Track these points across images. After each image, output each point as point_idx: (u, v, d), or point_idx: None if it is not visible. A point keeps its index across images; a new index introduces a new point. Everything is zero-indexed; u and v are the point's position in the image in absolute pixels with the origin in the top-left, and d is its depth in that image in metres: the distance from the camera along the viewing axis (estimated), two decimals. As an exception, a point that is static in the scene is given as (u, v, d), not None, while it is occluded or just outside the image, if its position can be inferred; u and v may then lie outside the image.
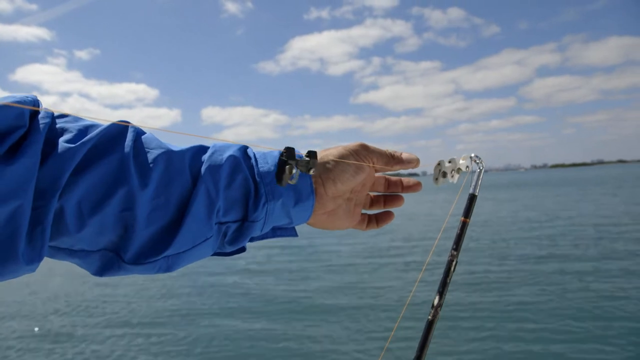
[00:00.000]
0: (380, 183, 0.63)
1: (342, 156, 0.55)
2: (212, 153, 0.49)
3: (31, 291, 7.32)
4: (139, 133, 0.46)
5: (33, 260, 0.38)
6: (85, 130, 0.42)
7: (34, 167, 0.37)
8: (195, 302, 6.34)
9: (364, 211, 0.64)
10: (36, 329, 5.44)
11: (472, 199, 0.58)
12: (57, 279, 8.27)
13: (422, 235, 12.09)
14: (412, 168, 0.61)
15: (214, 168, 0.47)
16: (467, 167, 0.62)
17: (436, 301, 0.60)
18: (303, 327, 5.11)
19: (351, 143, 0.57)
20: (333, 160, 0.54)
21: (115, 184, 0.41)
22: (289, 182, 0.49)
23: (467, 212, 0.57)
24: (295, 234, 0.58)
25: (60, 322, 5.69)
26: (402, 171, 0.63)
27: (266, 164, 0.51)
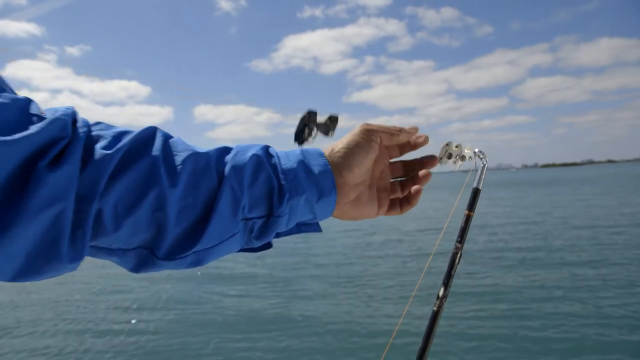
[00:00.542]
0: (398, 168, 0.64)
1: (349, 142, 0.57)
2: (236, 154, 0.52)
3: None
4: (167, 137, 0.50)
5: (75, 259, 0.42)
6: (118, 136, 0.45)
7: (75, 174, 0.40)
8: (178, 311, 6.31)
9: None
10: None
11: (475, 193, 0.60)
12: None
13: (427, 229, 12.17)
14: (418, 140, 0.61)
15: (238, 167, 0.50)
16: (470, 157, 0.63)
17: (441, 292, 0.62)
18: (306, 316, 5.13)
19: (355, 128, 0.59)
20: (342, 148, 0.57)
21: (147, 186, 0.45)
22: (306, 142, 0.52)
23: (472, 205, 0.59)
24: (319, 229, 0.60)
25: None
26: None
27: (289, 162, 0.54)
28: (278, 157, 0.54)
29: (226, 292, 6.66)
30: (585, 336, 4.32)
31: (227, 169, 0.50)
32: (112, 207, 0.43)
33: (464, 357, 4.02)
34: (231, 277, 7.69)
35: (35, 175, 0.37)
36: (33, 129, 0.37)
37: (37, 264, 0.39)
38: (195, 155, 0.49)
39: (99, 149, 0.43)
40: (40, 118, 0.39)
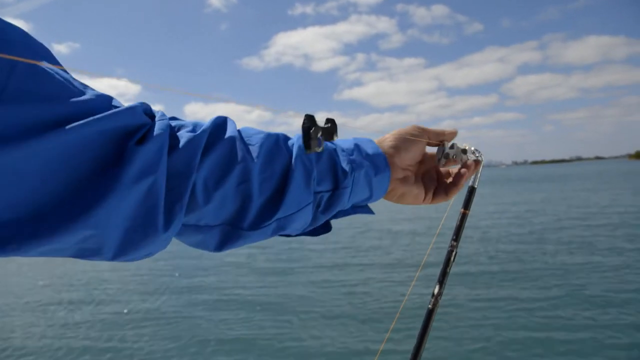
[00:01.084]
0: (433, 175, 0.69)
1: (399, 131, 0.63)
2: (298, 136, 0.57)
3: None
4: (235, 124, 0.55)
5: (170, 230, 0.44)
6: (196, 124, 0.50)
7: (163, 149, 0.43)
8: (178, 301, 6.29)
9: None
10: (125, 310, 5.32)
11: (471, 191, 0.60)
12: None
13: (422, 227, 12.24)
14: (451, 138, 0.67)
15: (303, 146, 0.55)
16: (474, 151, 0.66)
17: (436, 290, 0.62)
18: (300, 319, 5.14)
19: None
20: (392, 136, 0.63)
21: (232, 162, 0.49)
22: (316, 149, 0.51)
23: (467, 203, 0.60)
24: (371, 212, 0.66)
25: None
26: None
27: (345, 143, 0.60)
28: (335, 141, 0.59)
29: (214, 297, 6.62)
30: (580, 333, 4.39)
31: (295, 147, 0.55)
32: (203, 182, 0.47)
33: (459, 355, 4.06)
34: (221, 279, 7.66)
35: (126, 151, 0.40)
36: (116, 110, 0.41)
37: (134, 237, 0.42)
38: (266, 136, 0.54)
39: (186, 133, 0.47)
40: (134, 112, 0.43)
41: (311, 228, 0.59)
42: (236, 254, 9.10)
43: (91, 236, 0.39)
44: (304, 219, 0.55)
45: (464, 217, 0.60)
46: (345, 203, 0.58)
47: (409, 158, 0.63)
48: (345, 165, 0.57)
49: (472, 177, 0.62)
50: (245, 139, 0.53)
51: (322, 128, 0.52)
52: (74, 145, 0.37)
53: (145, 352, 4.54)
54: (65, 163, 0.37)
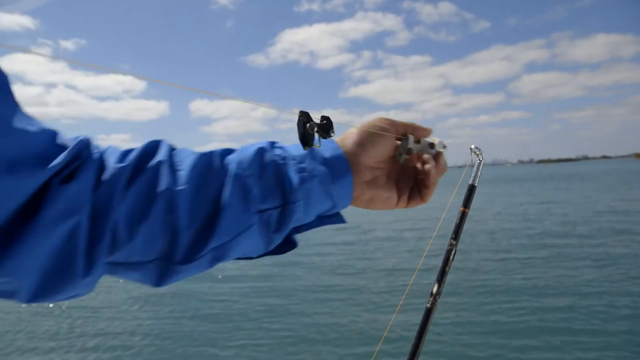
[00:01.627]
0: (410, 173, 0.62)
1: (365, 125, 0.57)
2: (241, 149, 0.53)
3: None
4: (172, 147, 0.51)
5: (91, 275, 0.42)
6: (128, 152, 0.48)
7: (88, 188, 0.41)
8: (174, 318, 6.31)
9: None
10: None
11: (471, 189, 0.59)
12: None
13: (421, 226, 12.21)
14: (425, 136, 0.60)
15: (243, 160, 0.50)
16: (444, 146, 0.60)
17: (435, 289, 0.62)
18: (299, 310, 5.15)
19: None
20: (356, 130, 0.56)
21: (155, 190, 0.45)
22: (314, 145, 0.50)
23: (467, 202, 0.59)
24: (342, 220, 0.59)
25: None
26: None
27: (297, 149, 0.53)
28: (285, 147, 0.54)
29: (213, 294, 6.62)
30: (582, 331, 4.37)
31: (233, 163, 0.50)
32: (125, 217, 0.43)
33: (457, 354, 4.05)
34: (219, 279, 7.69)
35: (49, 190, 0.38)
36: (58, 159, 0.39)
37: (52, 282, 0.39)
38: (199, 156, 0.50)
39: (112, 164, 0.45)
40: (64, 148, 0.41)
41: (269, 249, 0.53)
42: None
43: (4, 281, 0.37)
44: (250, 242, 0.50)
45: (463, 215, 0.59)
46: (301, 217, 0.52)
47: (376, 155, 0.56)
48: (294, 176, 0.50)
49: (473, 175, 0.61)
50: (176, 164, 0.48)
51: (318, 124, 0.50)
52: None
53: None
54: None
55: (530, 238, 9.44)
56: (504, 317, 4.82)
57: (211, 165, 0.50)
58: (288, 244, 0.57)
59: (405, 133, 0.58)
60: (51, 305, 6.01)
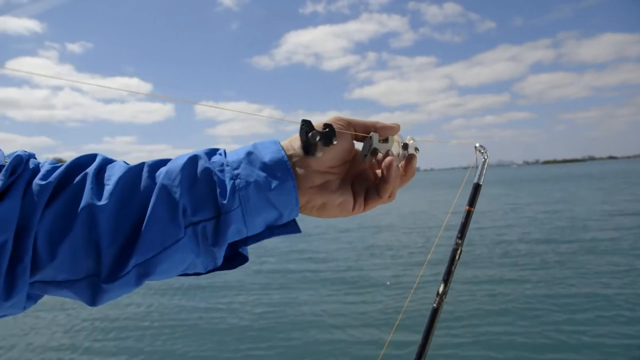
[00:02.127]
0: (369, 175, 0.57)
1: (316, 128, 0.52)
2: (174, 159, 0.49)
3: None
4: (106, 160, 0.49)
5: (13, 297, 0.41)
6: (56, 168, 0.46)
7: (17, 206, 0.40)
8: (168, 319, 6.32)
9: None
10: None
11: (476, 188, 0.59)
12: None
13: (426, 225, 12.19)
14: (392, 134, 0.56)
15: (172, 170, 0.47)
16: (417, 149, 0.56)
17: (441, 289, 0.61)
18: (303, 312, 5.14)
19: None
20: None
21: (77, 207, 0.43)
22: (316, 154, 0.49)
23: (472, 201, 0.59)
24: (296, 229, 0.52)
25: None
26: None
27: (235, 155, 0.49)
28: (225, 154, 0.50)
29: (215, 298, 6.62)
30: (591, 334, 4.32)
31: (162, 174, 0.47)
32: (45, 235, 0.42)
33: (464, 354, 4.03)
34: (217, 283, 7.69)
35: None
36: None
37: None
38: (128, 169, 0.47)
39: (36, 180, 0.43)
40: (1, 168, 0.41)
41: (214, 264, 0.49)
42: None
43: None
44: (181, 257, 0.46)
45: (469, 214, 0.59)
46: (242, 228, 0.47)
47: (328, 159, 0.51)
48: (227, 183, 0.46)
49: (478, 174, 0.60)
50: (104, 179, 0.46)
51: (321, 133, 0.49)
52: None
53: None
54: None
55: (538, 240, 9.38)
56: (510, 318, 4.78)
57: (139, 177, 0.47)
58: (239, 258, 0.53)
59: (367, 132, 0.54)
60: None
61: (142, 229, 0.44)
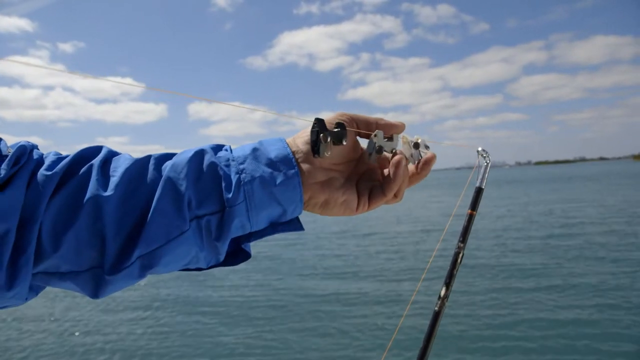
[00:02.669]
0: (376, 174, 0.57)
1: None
2: (181, 153, 0.49)
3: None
4: (111, 153, 0.49)
5: (16, 286, 0.40)
6: (62, 159, 0.46)
7: (21, 195, 0.41)
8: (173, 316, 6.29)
9: None
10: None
11: (478, 192, 0.59)
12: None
13: (428, 229, 12.21)
14: (397, 132, 0.55)
15: (179, 163, 0.47)
16: (427, 146, 0.56)
17: (443, 292, 0.61)
18: (307, 320, 5.13)
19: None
20: (309, 131, 0.52)
21: (82, 198, 0.43)
22: (326, 154, 0.49)
23: (474, 204, 0.59)
24: (299, 227, 0.52)
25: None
26: None
27: (242, 150, 0.50)
28: (230, 149, 0.50)
29: (216, 294, 6.62)
30: (590, 335, 4.35)
31: (168, 167, 0.47)
32: (50, 226, 0.42)
33: (466, 357, 4.04)
34: (220, 278, 7.67)
35: None
36: None
37: None
38: (135, 161, 0.47)
39: (42, 171, 0.43)
40: (4, 157, 0.41)
41: (217, 260, 0.49)
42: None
43: None
44: (185, 250, 0.46)
45: (471, 218, 0.59)
46: (246, 224, 0.47)
47: (331, 156, 0.51)
48: (233, 178, 0.47)
49: (480, 177, 0.60)
50: (111, 171, 0.46)
51: (332, 132, 0.49)
52: None
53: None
54: None
55: (539, 240, 9.44)
56: (512, 321, 4.81)
57: (145, 169, 0.47)
58: (241, 254, 0.53)
59: (370, 129, 0.54)
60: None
61: (147, 220, 0.44)
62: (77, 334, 5.15)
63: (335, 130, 0.49)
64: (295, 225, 0.52)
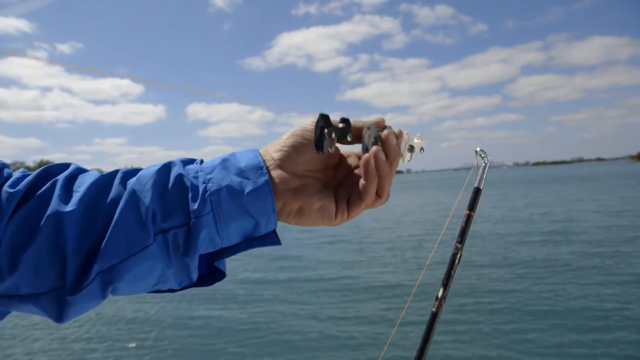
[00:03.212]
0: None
1: (294, 130, 0.50)
2: (148, 167, 0.47)
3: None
4: (79, 170, 0.48)
5: None
6: (26, 176, 0.45)
7: None
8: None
9: None
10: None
11: (477, 192, 0.58)
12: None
13: (426, 230, 12.22)
14: (379, 127, 0.52)
15: (144, 176, 0.45)
16: (422, 148, 0.55)
17: (440, 293, 0.61)
18: (302, 316, 5.13)
19: None
20: (284, 137, 0.50)
21: (43, 214, 0.42)
22: (329, 150, 0.48)
23: (472, 205, 0.58)
24: (276, 241, 0.49)
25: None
26: None
27: (211, 162, 0.48)
28: (201, 162, 0.49)
29: (210, 307, 6.58)
30: (589, 335, 4.37)
31: (133, 180, 0.45)
32: (8, 244, 0.40)
33: (463, 358, 4.04)
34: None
35: None
36: None
37: None
38: (100, 177, 0.46)
39: (4, 188, 0.42)
40: None
41: (189, 279, 0.47)
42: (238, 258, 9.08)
43: None
44: (148, 267, 0.43)
45: (469, 219, 0.58)
46: (215, 237, 0.45)
47: (304, 162, 0.49)
48: (200, 187, 0.44)
49: (478, 178, 0.60)
50: (75, 187, 0.44)
51: (337, 128, 0.48)
52: None
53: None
54: None
55: (537, 242, 9.46)
56: (510, 321, 4.81)
57: (110, 184, 0.45)
58: (216, 274, 0.51)
59: (357, 134, 0.51)
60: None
61: (107, 234, 0.42)
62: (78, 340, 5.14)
63: (341, 126, 0.48)
64: (271, 239, 0.48)
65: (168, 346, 4.63)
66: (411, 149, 0.55)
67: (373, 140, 0.49)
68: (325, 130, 0.48)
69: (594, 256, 7.56)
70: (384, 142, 0.50)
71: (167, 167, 0.46)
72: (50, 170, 0.46)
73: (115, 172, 0.47)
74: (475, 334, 4.49)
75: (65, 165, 0.47)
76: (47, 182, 0.44)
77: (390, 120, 0.55)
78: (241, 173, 0.46)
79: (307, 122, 0.50)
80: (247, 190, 0.45)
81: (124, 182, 0.45)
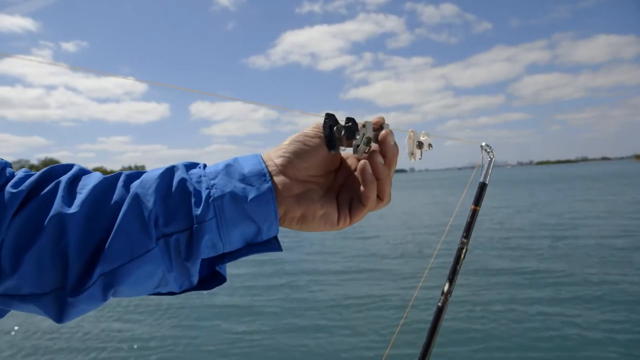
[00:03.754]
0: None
1: (297, 135, 0.50)
2: (152, 170, 0.48)
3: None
4: (83, 171, 0.48)
5: None
6: (29, 176, 0.45)
7: None
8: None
9: None
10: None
11: (482, 187, 0.59)
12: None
13: (431, 225, 12.20)
14: (381, 125, 0.52)
15: (148, 179, 0.46)
16: (430, 145, 0.55)
17: (446, 288, 0.61)
18: (307, 307, 5.13)
19: None
20: (286, 142, 0.50)
21: (46, 215, 0.42)
22: (339, 149, 0.48)
23: (478, 200, 0.59)
24: (278, 247, 0.49)
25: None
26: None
27: (215, 167, 0.48)
28: (204, 166, 0.49)
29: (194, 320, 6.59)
30: (592, 334, 4.34)
31: (136, 183, 0.46)
32: (11, 244, 0.41)
33: (469, 353, 4.04)
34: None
35: None
36: None
37: None
38: (103, 179, 0.46)
39: (7, 188, 0.42)
40: None
41: (189, 283, 0.47)
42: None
43: None
44: (149, 270, 0.44)
45: (474, 213, 0.59)
46: (217, 242, 0.45)
47: (306, 167, 0.49)
48: (203, 193, 0.45)
49: (484, 173, 0.60)
50: (79, 188, 0.45)
51: (344, 126, 0.48)
52: None
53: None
54: None
55: (546, 240, 9.42)
56: (514, 318, 4.80)
57: (113, 186, 0.45)
58: (216, 278, 0.51)
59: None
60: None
61: (109, 237, 0.42)
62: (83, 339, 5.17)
63: (347, 125, 0.48)
64: (273, 245, 0.49)
65: None
66: (420, 145, 0.55)
67: (365, 140, 0.48)
68: (335, 128, 0.48)
69: (603, 258, 7.52)
70: (381, 142, 0.50)
71: (170, 171, 0.46)
72: (53, 171, 0.46)
73: (119, 174, 0.47)
74: (481, 329, 4.47)
75: (69, 167, 0.48)
76: (50, 183, 0.44)
77: (394, 118, 0.55)
78: (244, 179, 0.46)
79: (308, 126, 0.50)
80: (250, 197, 0.45)
81: (127, 185, 0.46)
